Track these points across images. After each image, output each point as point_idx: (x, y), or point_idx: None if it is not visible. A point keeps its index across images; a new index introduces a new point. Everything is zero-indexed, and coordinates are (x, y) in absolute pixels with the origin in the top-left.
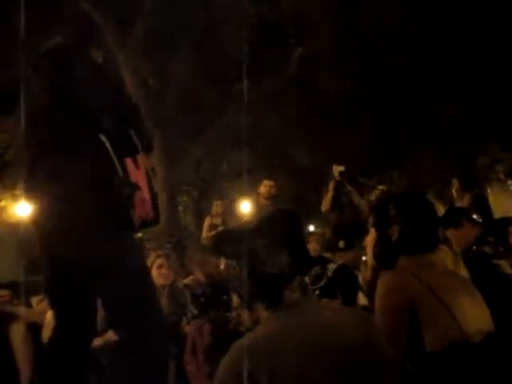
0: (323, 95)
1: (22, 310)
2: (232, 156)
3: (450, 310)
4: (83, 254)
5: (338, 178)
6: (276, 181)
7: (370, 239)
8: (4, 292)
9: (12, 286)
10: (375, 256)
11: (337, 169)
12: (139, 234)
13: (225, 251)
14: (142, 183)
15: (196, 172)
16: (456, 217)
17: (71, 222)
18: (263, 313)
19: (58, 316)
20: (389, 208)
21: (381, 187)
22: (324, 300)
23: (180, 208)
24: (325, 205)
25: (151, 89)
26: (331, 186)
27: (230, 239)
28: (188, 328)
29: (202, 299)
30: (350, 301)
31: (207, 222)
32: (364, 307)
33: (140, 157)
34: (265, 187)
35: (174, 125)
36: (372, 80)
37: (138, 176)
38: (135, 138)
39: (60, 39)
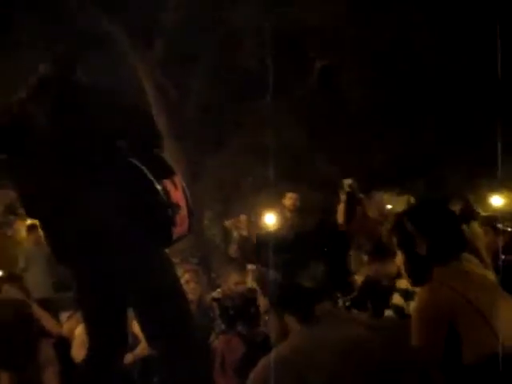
0: (346, 106)
1: (51, 325)
2: (255, 169)
3: (488, 321)
4: (121, 269)
5: (349, 190)
6: (300, 193)
7: (400, 261)
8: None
9: (42, 302)
10: (408, 275)
11: (346, 182)
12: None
13: (263, 259)
14: (182, 202)
15: (219, 185)
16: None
17: (112, 241)
18: (294, 325)
19: (92, 332)
20: (406, 226)
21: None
22: (354, 311)
23: (205, 222)
24: (340, 217)
25: (172, 103)
26: (343, 198)
27: (269, 248)
28: (217, 342)
29: (232, 312)
30: (379, 312)
31: (235, 234)
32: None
33: (176, 177)
34: (289, 200)
35: (195, 139)
36: (396, 89)
37: (177, 196)
38: (167, 159)
39: (47, 68)
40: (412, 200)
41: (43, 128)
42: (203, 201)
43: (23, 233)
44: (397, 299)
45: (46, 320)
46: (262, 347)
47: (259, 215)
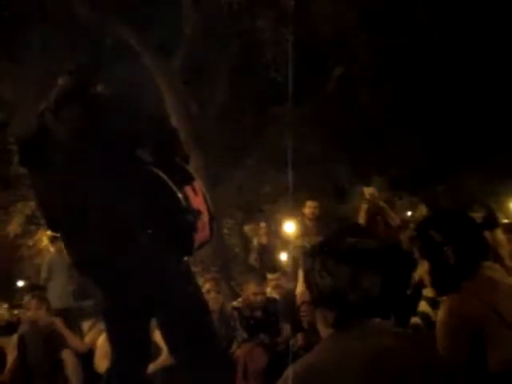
0: (364, 114)
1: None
2: (275, 177)
3: None
4: (144, 280)
5: (369, 198)
6: (319, 201)
7: (424, 270)
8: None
9: (63, 312)
10: (433, 285)
11: (367, 190)
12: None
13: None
14: (202, 208)
15: (239, 194)
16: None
17: (133, 253)
18: (323, 333)
19: (115, 343)
20: (432, 235)
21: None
22: (377, 320)
23: (225, 230)
24: (359, 220)
25: (192, 112)
26: (363, 207)
27: (315, 256)
28: (239, 352)
29: (252, 322)
30: (404, 321)
31: (254, 242)
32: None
33: (196, 183)
34: (309, 208)
35: (215, 147)
36: (413, 96)
37: (197, 202)
38: (186, 166)
39: (67, 80)
40: (426, 209)
41: (64, 140)
42: (223, 209)
43: (44, 243)
44: (424, 307)
45: (70, 340)
46: (284, 356)
47: (279, 223)
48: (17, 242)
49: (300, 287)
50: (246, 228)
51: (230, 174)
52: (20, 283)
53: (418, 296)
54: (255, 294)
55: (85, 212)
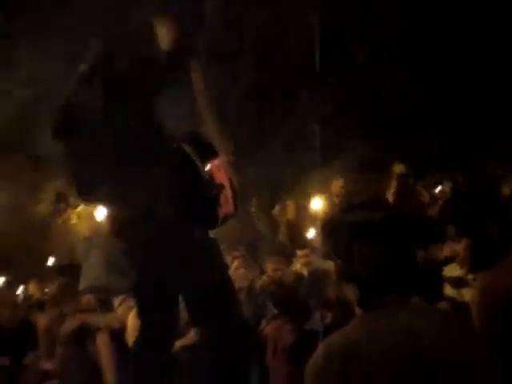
0: (387, 96)
1: (102, 320)
2: (302, 155)
3: None
4: (169, 256)
5: (399, 175)
6: (345, 178)
7: (462, 246)
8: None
9: (96, 289)
10: (471, 261)
11: (397, 167)
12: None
13: (330, 244)
14: (225, 182)
15: (266, 173)
16: None
17: (156, 227)
18: (357, 310)
19: (144, 318)
20: (473, 210)
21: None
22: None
23: (252, 209)
24: (390, 202)
25: (217, 94)
26: (393, 183)
27: (338, 232)
28: (268, 329)
29: (278, 298)
30: (435, 297)
31: (282, 220)
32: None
33: (220, 158)
34: (336, 186)
35: (242, 127)
36: (437, 78)
37: (220, 176)
38: (211, 142)
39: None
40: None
41: (95, 114)
42: (249, 188)
43: (74, 221)
44: (448, 290)
45: (92, 320)
46: (312, 333)
47: (307, 200)
48: (46, 221)
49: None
50: (273, 207)
51: (257, 153)
52: (50, 261)
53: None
54: (275, 270)
55: (113, 184)
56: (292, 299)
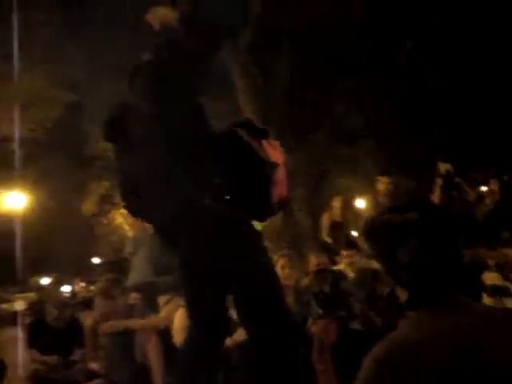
0: (433, 89)
1: (149, 321)
2: (345, 153)
3: None
4: (218, 253)
5: (445, 174)
6: (392, 177)
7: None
8: (135, 296)
9: (143, 286)
10: None
11: (442, 166)
12: None
13: (375, 244)
14: (280, 161)
15: (309, 171)
16: None
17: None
18: (408, 311)
19: (193, 317)
20: None
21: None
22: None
23: (295, 207)
24: (436, 202)
25: (259, 88)
26: (439, 182)
27: (384, 231)
28: (314, 327)
29: (323, 296)
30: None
31: (326, 219)
32: None
33: (272, 139)
34: (383, 184)
35: (284, 123)
36: (484, 70)
37: (275, 154)
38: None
39: (147, 57)
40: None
41: (144, 112)
42: (292, 186)
43: (119, 220)
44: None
45: (133, 324)
46: (357, 332)
47: (350, 199)
48: (92, 221)
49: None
50: (316, 205)
51: (298, 151)
52: (95, 260)
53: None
54: (318, 265)
55: (161, 176)
56: (336, 299)
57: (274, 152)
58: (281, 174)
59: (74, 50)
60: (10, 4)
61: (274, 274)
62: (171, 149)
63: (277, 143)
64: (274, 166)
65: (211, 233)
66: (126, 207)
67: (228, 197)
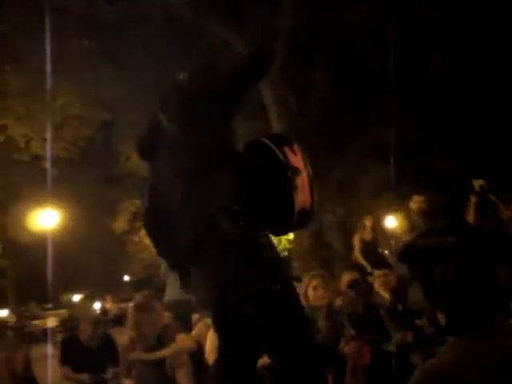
0: (468, 103)
1: (180, 347)
2: (375, 170)
3: None
4: (239, 279)
5: (479, 191)
6: (425, 195)
7: None
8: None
9: (176, 304)
10: None
11: (476, 183)
12: (285, 253)
13: (413, 268)
14: (301, 167)
15: (339, 189)
16: None
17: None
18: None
19: (221, 338)
20: None
21: None
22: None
23: (325, 225)
24: (470, 220)
25: (292, 105)
26: (473, 200)
27: (420, 254)
28: (347, 349)
29: (355, 317)
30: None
31: (357, 238)
32: None
33: (295, 146)
34: (416, 203)
35: (315, 140)
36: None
37: (296, 161)
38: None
39: (182, 76)
40: None
41: (171, 130)
42: (323, 204)
43: None
44: None
45: (165, 353)
46: (392, 355)
47: (381, 218)
48: (123, 239)
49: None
50: (347, 223)
51: (331, 168)
52: (126, 278)
53: None
54: (350, 281)
55: (186, 197)
56: (368, 319)
57: (296, 158)
58: (302, 180)
59: (107, 71)
60: (44, 24)
61: (295, 300)
62: (196, 168)
63: (299, 150)
64: (296, 170)
65: (231, 259)
66: (144, 225)
67: (250, 214)
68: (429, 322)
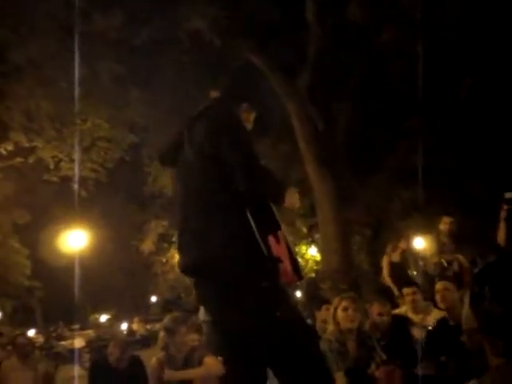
0: (496, 126)
1: (208, 370)
2: (404, 193)
3: None
4: (241, 310)
5: (510, 206)
6: (454, 217)
7: None
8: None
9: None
10: None
11: (506, 195)
12: (313, 275)
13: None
14: (283, 255)
15: (367, 211)
16: None
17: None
18: (491, 361)
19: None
20: None
21: None
22: None
23: (354, 247)
24: (500, 237)
25: (320, 129)
26: (503, 215)
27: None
28: (378, 373)
29: (384, 343)
30: None
31: (386, 260)
32: None
33: (280, 231)
34: (445, 224)
35: (343, 164)
36: None
37: (279, 250)
38: (277, 215)
39: (215, 95)
40: None
41: (189, 158)
42: (351, 226)
43: (176, 259)
44: None
45: (193, 374)
46: (425, 379)
47: (410, 239)
48: (150, 259)
49: (466, 311)
50: (375, 245)
51: (359, 190)
52: (153, 299)
53: None
54: (380, 314)
55: (186, 230)
56: (401, 345)
57: (279, 246)
58: (284, 266)
59: (136, 94)
60: (73, 44)
61: (301, 325)
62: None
63: (283, 234)
64: (277, 262)
65: (234, 291)
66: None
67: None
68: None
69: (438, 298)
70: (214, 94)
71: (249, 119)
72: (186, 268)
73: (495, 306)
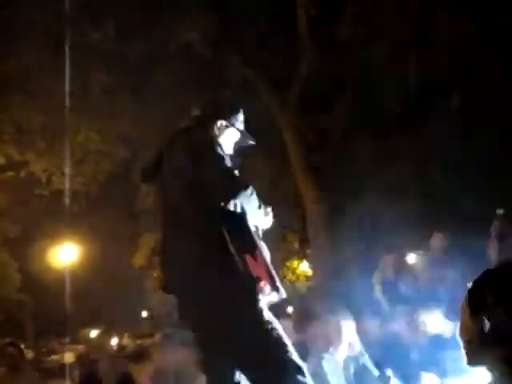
0: (488, 140)
1: None
2: (396, 208)
3: None
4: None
5: (500, 223)
6: (446, 232)
7: None
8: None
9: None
10: None
11: (498, 212)
12: (303, 291)
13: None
14: (262, 273)
15: (360, 225)
16: None
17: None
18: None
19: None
20: None
21: None
22: None
23: (345, 262)
24: (489, 251)
25: (309, 142)
26: (493, 230)
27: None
28: None
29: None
30: None
31: (377, 277)
32: None
33: (258, 250)
34: (436, 240)
35: (331, 178)
36: None
37: (257, 269)
38: (255, 237)
39: (196, 113)
40: None
41: (166, 180)
42: (343, 239)
43: None
44: None
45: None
46: None
47: (401, 256)
48: (141, 274)
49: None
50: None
51: (350, 204)
52: (144, 314)
53: None
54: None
55: (164, 248)
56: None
57: (257, 265)
58: (262, 284)
59: (128, 107)
60: (64, 60)
61: (265, 328)
62: (172, 226)
63: (260, 252)
64: (255, 281)
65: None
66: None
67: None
68: None
69: None
70: (196, 111)
71: (231, 134)
72: (164, 286)
73: (500, 313)
